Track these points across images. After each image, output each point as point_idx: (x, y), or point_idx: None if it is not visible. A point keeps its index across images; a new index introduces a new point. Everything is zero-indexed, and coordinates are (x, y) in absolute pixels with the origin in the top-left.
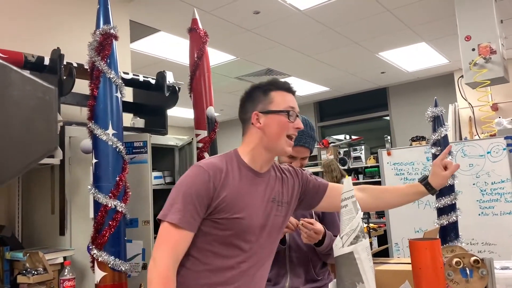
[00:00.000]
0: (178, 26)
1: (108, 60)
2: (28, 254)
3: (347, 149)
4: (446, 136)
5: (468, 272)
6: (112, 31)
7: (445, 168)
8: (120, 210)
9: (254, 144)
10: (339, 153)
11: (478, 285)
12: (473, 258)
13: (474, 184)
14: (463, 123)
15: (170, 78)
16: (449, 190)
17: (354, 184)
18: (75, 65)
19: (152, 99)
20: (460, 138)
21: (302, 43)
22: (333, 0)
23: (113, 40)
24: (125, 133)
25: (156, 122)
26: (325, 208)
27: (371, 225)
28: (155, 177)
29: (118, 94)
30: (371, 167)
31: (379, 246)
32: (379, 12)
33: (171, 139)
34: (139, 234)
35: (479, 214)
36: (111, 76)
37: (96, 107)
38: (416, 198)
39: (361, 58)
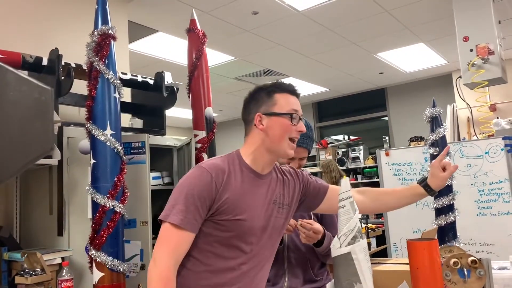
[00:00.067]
0: (176, 26)
1: (106, 61)
2: (26, 255)
3: (345, 149)
4: (444, 136)
5: (465, 272)
6: (110, 31)
7: (444, 169)
8: (118, 210)
9: (256, 146)
10: (338, 153)
11: (475, 285)
12: (470, 259)
13: (472, 184)
14: (462, 123)
15: (168, 79)
16: (447, 190)
17: (353, 184)
18: (73, 65)
19: (151, 100)
20: (459, 139)
21: (301, 44)
22: (331, 0)
23: (111, 41)
24: (123, 133)
25: (155, 122)
26: (325, 210)
27: (369, 225)
28: (153, 178)
29: (116, 95)
30: (369, 167)
31: (377, 246)
32: (378, 12)
33: (170, 139)
34: (137, 235)
35: (477, 215)
36: (109, 76)
37: (94, 107)
38: (415, 200)
39: (359, 59)
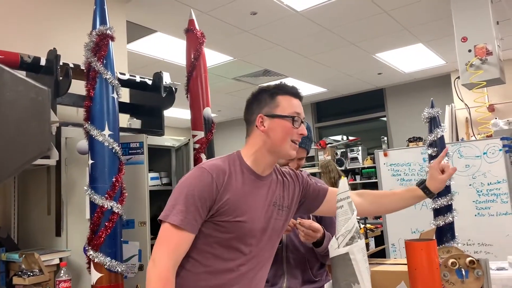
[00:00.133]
0: (175, 26)
1: (105, 61)
2: (24, 255)
3: (344, 150)
4: (442, 137)
5: (463, 272)
6: (108, 31)
7: (443, 171)
8: (116, 211)
9: (258, 147)
10: (336, 154)
11: (473, 285)
12: (468, 259)
13: (470, 185)
14: (460, 124)
15: (167, 79)
16: (445, 191)
17: (351, 184)
18: (71, 65)
19: (149, 100)
20: (457, 139)
21: (300, 44)
22: (330, 1)
23: (110, 41)
24: (121, 134)
25: (153, 123)
26: (325, 212)
27: (368, 225)
28: (152, 178)
29: (115, 95)
30: (368, 168)
31: (376, 246)
32: (376, 13)
33: (168, 140)
34: (136, 235)
35: (476, 215)
36: (108, 77)
37: (92, 108)
38: (414, 202)
39: (358, 59)
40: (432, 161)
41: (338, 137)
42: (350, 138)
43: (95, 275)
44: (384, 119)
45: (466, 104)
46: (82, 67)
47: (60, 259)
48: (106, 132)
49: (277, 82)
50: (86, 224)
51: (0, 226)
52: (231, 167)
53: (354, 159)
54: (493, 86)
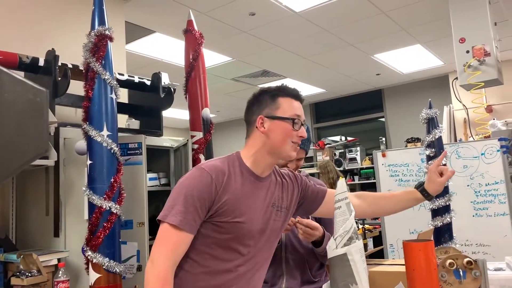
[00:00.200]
0: (173, 27)
1: (103, 61)
2: (22, 256)
3: (342, 150)
4: (440, 138)
5: (461, 273)
6: (107, 32)
7: (441, 174)
8: (114, 211)
9: (257, 148)
10: (335, 154)
11: (471, 286)
12: (466, 260)
13: (468, 185)
14: (458, 124)
15: (165, 79)
16: (443, 191)
17: (350, 185)
18: (70, 66)
19: (147, 100)
20: (455, 140)
21: (298, 45)
22: (328, 2)
23: (108, 41)
24: (120, 134)
25: (151, 123)
26: (323, 214)
27: (366, 226)
28: (150, 179)
29: (113, 95)
30: (366, 168)
31: (374, 247)
32: (374, 14)
33: (166, 140)
34: (134, 236)
35: (473, 216)
36: (106, 77)
37: (90, 108)
38: (413, 204)
39: (356, 60)
40: (430, 161)
41: (337, 138)
42: (349, 138)
43: (94, 276)
44: (383, 119)
45: (464, 105)
46: (81, 68)
47: (59, 260)
48: (105, 132)
49: (278, 83)
50: (85, 225)
51: None
52: (230, 168)
53: (353, 159)
54: (491, 87)
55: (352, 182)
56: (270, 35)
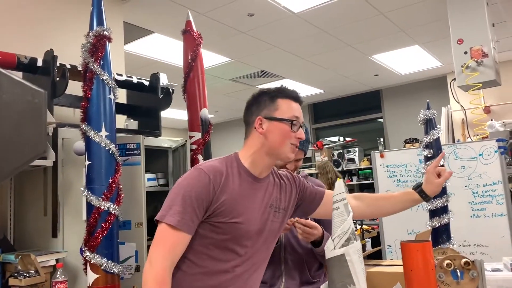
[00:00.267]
0: (172, 27)
1: (102, 62)
2: (20, 257)
3: (341, 151)
4: (438, 138)
5: (458, 274)
6: (105, 32)
7: (439, 175)
8: (113, 212)
9: (256, 149)
10: (333, 155)
11: (468, 286)
12: (463, 260)
13: (466, 186)
14: (456, 125)
15: (164, 80)
16: (441, 192)
17: (348, 185)
18: (68, 66)
19: (146, 101)
20: (453, 141)
21: (296, 46)
22: (327, 3)
23: (107, 42)
24: (118, 135)
25: (150, 124)
26: (322, 215)
27: (364, 226)
28: (148, 179)
29: (112, 96)
30: (364, 169)
31: (372, 247)
32: (373, 15)
33: (165, 141)
34: (132, 236)
35: (471, 216)
36: (105, 77)
37: (89, 109)
38: (411, 205)
39: (355, 61)
40: (428, 162)
41: (335, 138)
42: (347, 139)
43: (92, 276)
44: (381, 120)
45: (462, 106)
46: (79, 68)
47: (57, 260)
48: (103, 133)
49: (277, 84)
50: (83, 225)
51: None
52: (228, 169)
53: (351, 160)
54: (489, 88)
55: (351, 183)
56: (269, 35)
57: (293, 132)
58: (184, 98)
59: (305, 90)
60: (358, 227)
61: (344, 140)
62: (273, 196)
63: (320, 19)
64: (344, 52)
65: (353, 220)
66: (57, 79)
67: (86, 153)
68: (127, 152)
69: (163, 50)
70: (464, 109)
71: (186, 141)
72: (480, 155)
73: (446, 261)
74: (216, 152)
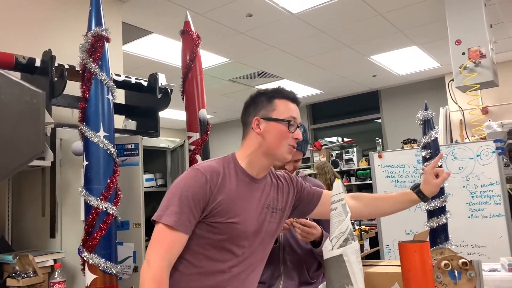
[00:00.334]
0: (170, 28)
1: (100, 62)
2: (18, 257)
3: (339, 151)
4: (436, 139)
5: (456, 274)
6: (104, 33)
7: (437, 176)
8: (111, 212)
9: (253, 149)
10: (332, 155)
11: (466, 287)
12: (461, 261)
13: (464, 186)
14: (454, 126)
15: (162, 80)
16: (439, 192)
17: (346, 186)
18: (66, 67)
19: (144, 101)
20: (451, 141)
21: (295, 46)
22: (325, 4)
23: (105, 42)
24: (116, 135)
25: (148, 124)
26: (319, 215)
27: (362, 227)
28: (147, 180)
29: (110, 96)
30: (363, 169)
31: (370, 248)
32: (371, 16)
33: (163, 141)
34: (130, 237)
35: (469, 217)
36: (103, 78)
37: (87, 109)
38: (409, 205)
39: (353, 61)
40: (426, 163)
41: (333, 139)
42: (345, 139)
43: (90, 277)
44: (379, 121)
45: (460, 107)
46: (77, 68)
47: (55, 261)
48: (101, 133)
49: (275, 85)
50: (81, 226)
51: None
52: (225, 169)
53: (349, 160)
54: (487, 89)
55: (349, 183)
56: (267, 36)
57: (290, 133)
58: (183, 98)
59: (304, 91)
60: (357, 227)
61: (343, 140)
62: (270, 197)
63: (318, 19)
64: (343, 53)
65: (351, 220)
66: (55, 79)
67: (84, 153)
68: (125, 153)
69: (161, 51)
70: (462, 110)
71: (184, 141)
72: (478, 155)
73: (444, 262)
74: (214, 152)
